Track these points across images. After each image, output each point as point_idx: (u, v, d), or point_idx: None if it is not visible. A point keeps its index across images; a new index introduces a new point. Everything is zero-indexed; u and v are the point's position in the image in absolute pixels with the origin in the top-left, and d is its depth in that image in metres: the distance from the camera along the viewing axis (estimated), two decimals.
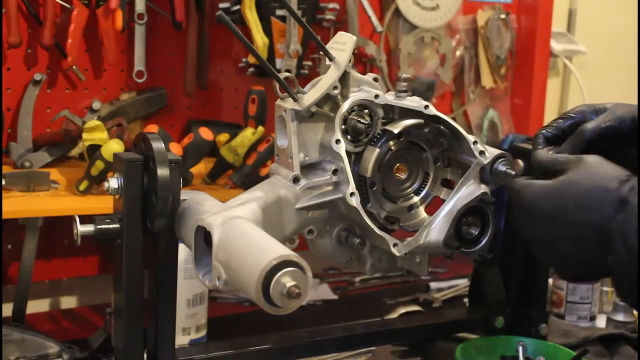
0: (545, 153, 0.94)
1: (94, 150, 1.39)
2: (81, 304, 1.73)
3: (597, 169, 0.85)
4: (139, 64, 1.64)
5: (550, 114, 2.26)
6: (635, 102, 1.15)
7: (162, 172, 0.96)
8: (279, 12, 1.69)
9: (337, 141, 1.02)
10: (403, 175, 1.09)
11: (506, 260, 1.31)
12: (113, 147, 1.36)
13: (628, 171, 0.84)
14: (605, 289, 1.71)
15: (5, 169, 1.46)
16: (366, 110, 1.04)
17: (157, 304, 1.04)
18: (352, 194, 1.03)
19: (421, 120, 1.05)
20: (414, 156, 1.09)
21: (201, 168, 1.56)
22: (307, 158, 1.03)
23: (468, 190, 1.06)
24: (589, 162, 0.86)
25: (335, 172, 1.03)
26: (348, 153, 1.03)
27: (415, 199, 1.10)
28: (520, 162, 1.09)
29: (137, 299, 1.01)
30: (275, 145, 1.05)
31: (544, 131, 0.98)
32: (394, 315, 1.48)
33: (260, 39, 1.65)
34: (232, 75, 1.80)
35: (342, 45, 1.03)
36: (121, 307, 1.01)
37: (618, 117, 0.95)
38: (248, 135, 1.55)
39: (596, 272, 0.90)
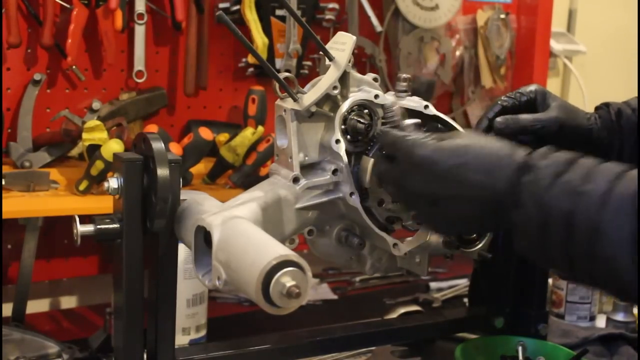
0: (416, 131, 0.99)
1: (94, 150, 1.39)
2: (81, 304, 1.73)
3: (481, 137, 0.94)
4: (139, 64, 1.64)
5: None
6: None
7: (162, 172, 0.96)
8: (279, 12, 1.70)
9: (337, 141, 1.02)
10: None
11: (506, 260, 1.31)
12: (113, 147, 1.36)
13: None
14: None
15: (5, 169, 1.46)
16: (366, 110, 1.04)
17: (157, 304, 1.04)
18: (352, 194, 1.03)
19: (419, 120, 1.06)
20: None
21: (201, 168, 1.56)
22: (307, 158, 1.03)
23: None
24: (467, 132, 0.96)
25: (335, 172, 1.03)
26: (348, 153, 1.03)
27: None
28: None
29: (137, 299, 1.01)
30: (275, 145, 1.05)
31: (503, 99, 1.17)
32: (394, 315, 1.48)
33: (260, 39, 1.65)
34: (232, 75, 1.80)
35: (342, 45, 1.03)
36: (121, 307, 1.01)
37: (550, 119, 1.14)
38: (248, 135, 1.55)
39: (479, 230, 1.02)
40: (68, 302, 1.73)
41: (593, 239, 0.80)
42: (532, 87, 1.18)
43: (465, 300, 1.65)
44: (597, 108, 1.22)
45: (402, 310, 1.50)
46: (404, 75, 1.08)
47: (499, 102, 1.17)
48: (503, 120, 1.14)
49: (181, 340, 1.35)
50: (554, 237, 0.83)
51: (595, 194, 0.80)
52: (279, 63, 1.71)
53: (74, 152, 1.59)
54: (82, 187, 1.41)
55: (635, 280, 0.78)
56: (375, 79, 1.06)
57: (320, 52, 1.04)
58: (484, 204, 0.89)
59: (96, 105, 1.58)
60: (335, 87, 1.02)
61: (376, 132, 1.01)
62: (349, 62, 1.02)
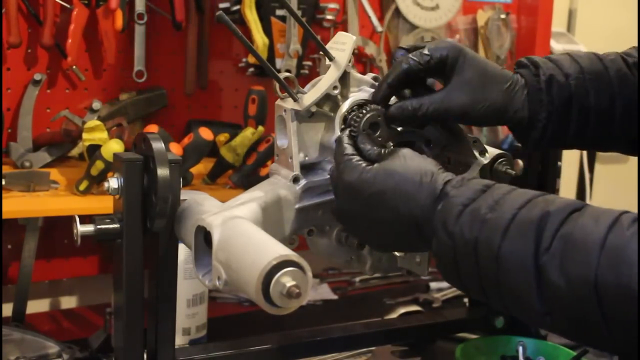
0: (365, 144, 0.97)
1: (94, 150, 1.39)
2: (81, 304, 1.73)
3: (410, 162, 0.91)
4: (139, 64, 1.64)
5: None
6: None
7: (162, 172, 0.96)
8: (279, 12, 1.70)
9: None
10: None
11: None
12: (113, 147, 1.36)
13: (436, 163, 0.92)
14: None
15: (5, 169, 1.46)
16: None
17: (157, 304, 1.04)
18: None
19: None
20: None
21: (201, 168, 1.56)
22: (307, 158, 1.03)
23: None
24: (403, 154, 0.92)
25: None
26: None
27: None
28: (520, 162, 1.09)
29: (137, 299, 1.01)
30: (275, 145, 1.05)
31: (408, 59, 1.00)
32: (394, 315, 1.48)
33: (260, 39, 1.65)
34: (232, 75, 1.80)
35: (342, 45, 1.03)
36: (121, 307, 1.01)
37: (450, 109, 1.01)
38: (248, 135, 1.55)
39: (413, 250, 1.02)
40: (68, 302, 1.73)
41: (496, 268, 0.79)
42: (444, 49, 1.00)
43: (465, 300, 1.65)
44: (520, 65, 1.07)
45: (402, 310, 1.50)
46: None
47: (403, 64, 1.00)
48: (398, 110, 1.00)
49: (181, 340, 1.35)
50: (463, 265, 0.83)
51: (498, 222, 0.80)
52: (279, 63, 1.71)
53: (74, 152, 1.59)
54: (82, 187, 1.41)
55: (540, 311, 0.77)
56: (375, 79, 1.06)
57: (321, 52, 1.04)
58: (406, 227, 0.89)
59: (96, 105, 1.58)
60: (335, 87, 1.02)
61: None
62: (349, 62, 1.02)
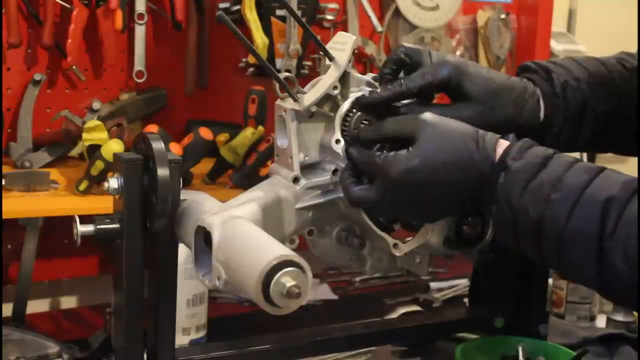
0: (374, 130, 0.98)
1: (94, 150, 1.39)
2: (81, 304, 1.73)
3: (446, 131, 0.92)
4: (139, 64, 1.64)
5: None
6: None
7: (162, 172, 0.95)
8: (279, 12, 1.70)
9: (337, 141, 1.02)
10: None
11: (506, 260, 1.31)
12: (113, 147, 1.36)
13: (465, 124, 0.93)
14: None
15: (5, 169, 1.46)
16: None
17: (157, 304, 1.04)
18: None
19: None
20: None
21: (201, 168, 1.56)
22: (307, 158, 1.03)
23: None
24: (429, 124, 0.92)
25: (335, 172, 1.03)
26: None
27: None
28: None
29: (137, 299, 1.01)
30: (275, 145, 1.05)
31: (408, 86, 0.99)
32: (394, 315, 1.48)
33: (260, 39, 1.65)
34: (232, 75, 1.80)
35: (342, 45, 1.03)
36: (121, 307, 1.01)
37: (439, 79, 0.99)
38: (248, 135, 1.55)
39: (461, 214, 1.02)
40: (68, 302, 1.73)
41: (560, 246, 0.85)
42: (445, 68, 0.99)
43: (465, 300, 1.65)
44: (527, 70, 1.07)
45: (402, 310, 1.50)
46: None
47: (403, 87, 0.99)
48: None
49: (181, 340, 1.35)
50: (525, 237, 0.88)
51: (563, 203, 0.84)
52: (279, 63, 1.71)
53: (74, 152, 1.59)
54: (82, 187, 1.41)
55: (596, 282, 0.83)
56: (375, 79, 1.06)
57: (321, 52, 1.04)
58: (463, 196, 0.92)
59: (96, 105, 1.58)
60: (335, 87, 1.02)
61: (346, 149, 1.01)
62: (349, 62, 1.02)
